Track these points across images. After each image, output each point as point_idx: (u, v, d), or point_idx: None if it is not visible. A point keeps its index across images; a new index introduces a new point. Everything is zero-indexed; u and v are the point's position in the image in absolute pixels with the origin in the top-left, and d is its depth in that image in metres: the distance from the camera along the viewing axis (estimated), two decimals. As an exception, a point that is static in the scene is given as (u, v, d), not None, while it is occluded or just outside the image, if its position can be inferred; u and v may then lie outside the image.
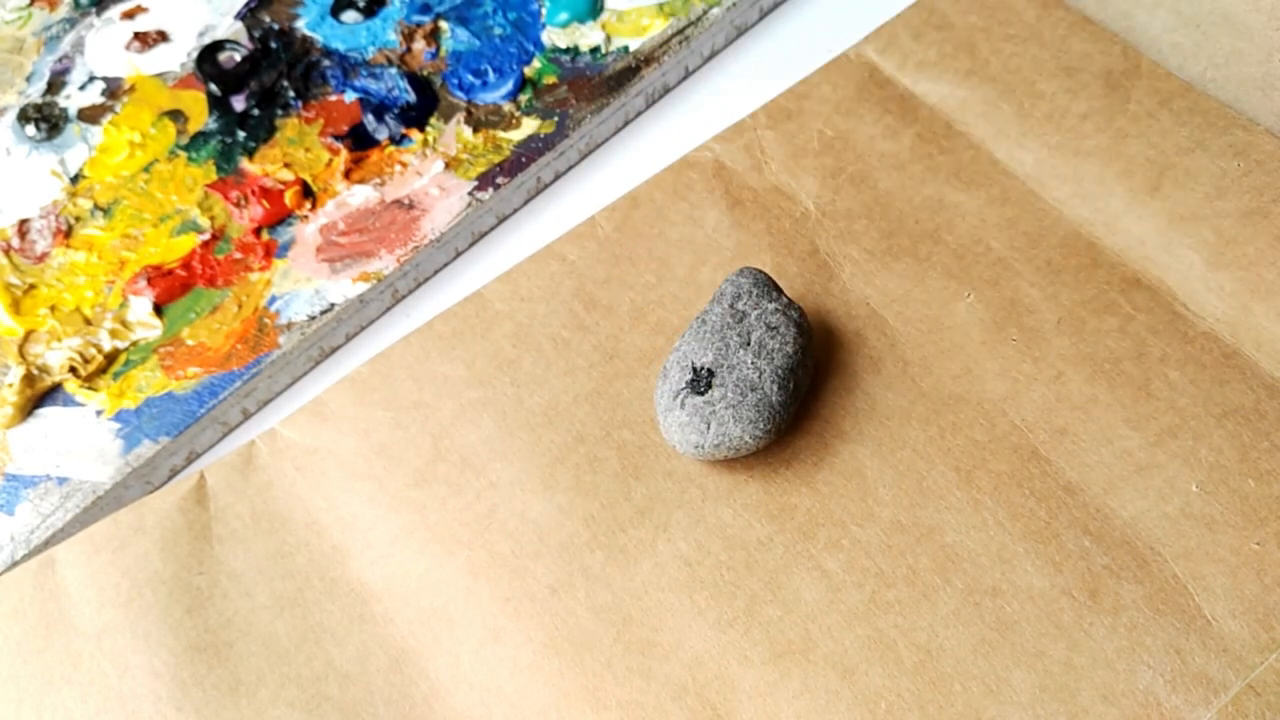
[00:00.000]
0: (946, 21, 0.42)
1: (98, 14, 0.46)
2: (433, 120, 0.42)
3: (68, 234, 0.40)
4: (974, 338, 0.35)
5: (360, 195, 0.40)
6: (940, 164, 0.39)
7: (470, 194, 0.40)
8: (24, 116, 0.43)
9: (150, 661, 0.32)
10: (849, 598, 0.31)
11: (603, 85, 0.42)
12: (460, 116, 0.42)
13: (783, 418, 0.32)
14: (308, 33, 0.44)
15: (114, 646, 0.32)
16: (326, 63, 0.44)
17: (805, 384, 0.33)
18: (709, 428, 0.31)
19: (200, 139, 0.42)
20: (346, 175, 0.41)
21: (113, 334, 0.38)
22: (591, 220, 0.39)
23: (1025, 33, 0.41)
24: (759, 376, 0.31)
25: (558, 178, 0.42)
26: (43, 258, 0.39)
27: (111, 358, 0.37)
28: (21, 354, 0.37)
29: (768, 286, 0.33)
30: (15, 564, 0.34)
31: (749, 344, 0.31)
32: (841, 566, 0.32)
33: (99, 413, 0.36)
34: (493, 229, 0.41)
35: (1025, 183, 0.38)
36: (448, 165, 0.41)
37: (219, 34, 0.45)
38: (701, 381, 0.31)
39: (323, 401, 0.36)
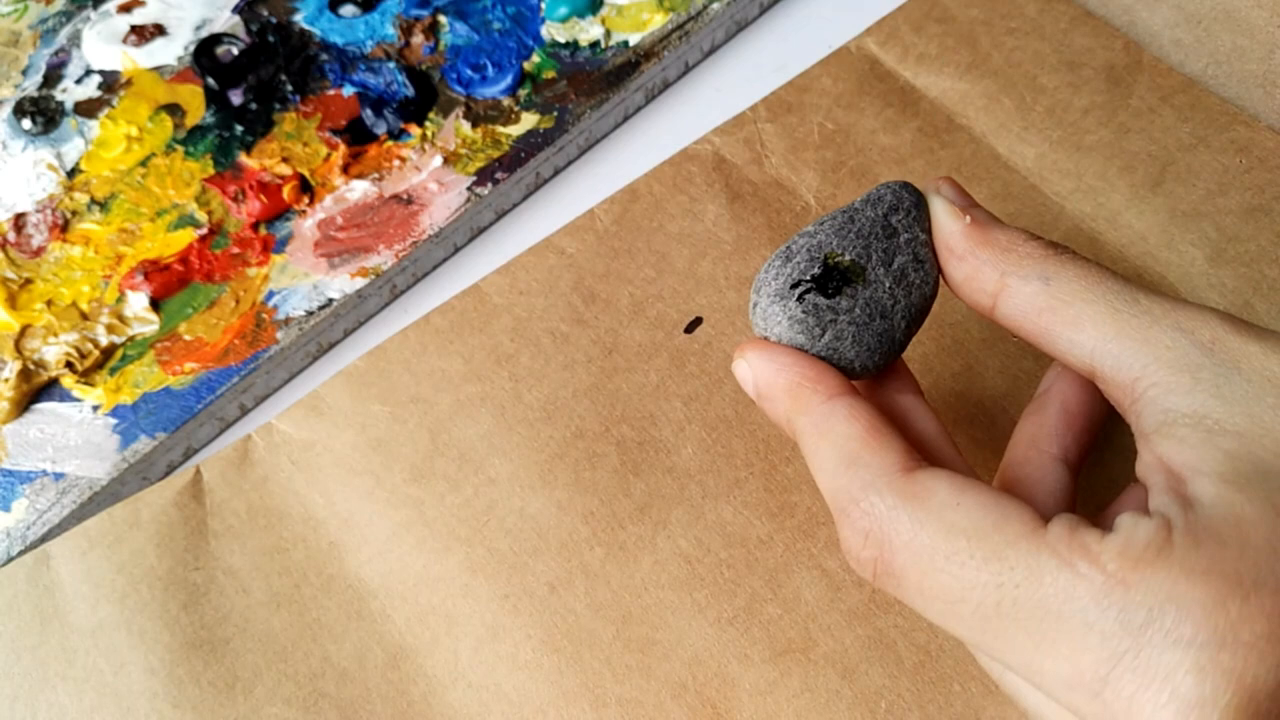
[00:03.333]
0: (948, 14, 0.42)
1: (94, 7, 0.45)
2: (431, 115, 0.42)
3: (64, 228, 0.40)
4: (974, 335, 0.35)
5: (358, 190, 0.40)
6: (941, 158, 0.38)
7: (469, 189, 0.40)
8: (20, 110, 0.43)
9: (146, 658, 0.32)
10: (849, 597, 0.31)
11: (602, 80, 0.42)
12: (459, 111, 0.42)
13: (895, 360, 0.27)
14: (305, 26, 0.44)
15: (109, 642, 0.32)
16: (324, 57, 0.43)
17: (913, 337, 0.28)
18: (823, 334, 0.26)
19: (197, 133, 0.42)
20: (345, 170, 0.40)
21: (109, 329, 0.37)
22: (590, 213, 0.39)
23: (1027, 26, 0.41)
24: (892, 305, 0.26)
25: (557, 173, 0.41)
26: (39, 252, 0.39)
27: (108, 353, 0.37)
28: (17, 349, 0.37)
29: (924, 214, 0.28)
30: (10, 559, 0.34)
31: (891, 265, 0.26)
32: (842, 565, 0.31)
33: (95, 408, 0.36)
34: (492, 224, 0.41)
35: (1027, 177, 0.38)
36: (446, 160, 0.40)
37: (216, 28, 0.44)
38: (833, 282, 0.26)
39: (319, 395, 0.36)
